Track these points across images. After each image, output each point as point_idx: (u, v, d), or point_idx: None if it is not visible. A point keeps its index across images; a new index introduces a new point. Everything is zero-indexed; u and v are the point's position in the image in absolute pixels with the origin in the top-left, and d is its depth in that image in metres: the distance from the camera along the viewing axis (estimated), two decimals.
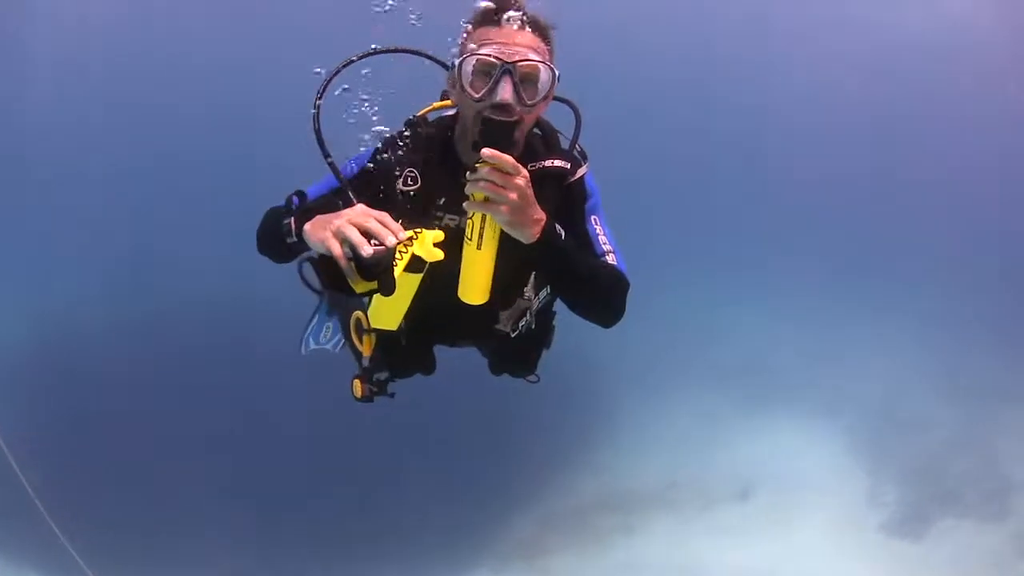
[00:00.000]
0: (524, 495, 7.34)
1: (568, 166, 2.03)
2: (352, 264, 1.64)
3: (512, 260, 1.86)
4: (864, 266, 11.05)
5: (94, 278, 8.95)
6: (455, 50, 1.97)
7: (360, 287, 1.67)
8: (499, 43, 1.84)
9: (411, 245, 1.75)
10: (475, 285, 1.86)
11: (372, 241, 1.63)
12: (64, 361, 7.74)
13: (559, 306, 2.24)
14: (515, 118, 1.83)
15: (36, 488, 5.44)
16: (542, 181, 1.94)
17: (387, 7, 2.22)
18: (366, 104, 2.10)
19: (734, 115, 11.44)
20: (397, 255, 1.69)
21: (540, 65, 1.86)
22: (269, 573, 6.38)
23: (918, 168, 11.43)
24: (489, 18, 1.89)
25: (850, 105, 11.65)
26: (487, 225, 1.78)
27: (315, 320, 2.32)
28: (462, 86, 1.88)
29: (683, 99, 11.66)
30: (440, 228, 1.91)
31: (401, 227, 1.69)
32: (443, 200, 2.02)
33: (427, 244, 1.77)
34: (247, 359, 7.17)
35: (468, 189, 1.73)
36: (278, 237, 1.88)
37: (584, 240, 2.04)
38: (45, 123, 9.73)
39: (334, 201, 1.90)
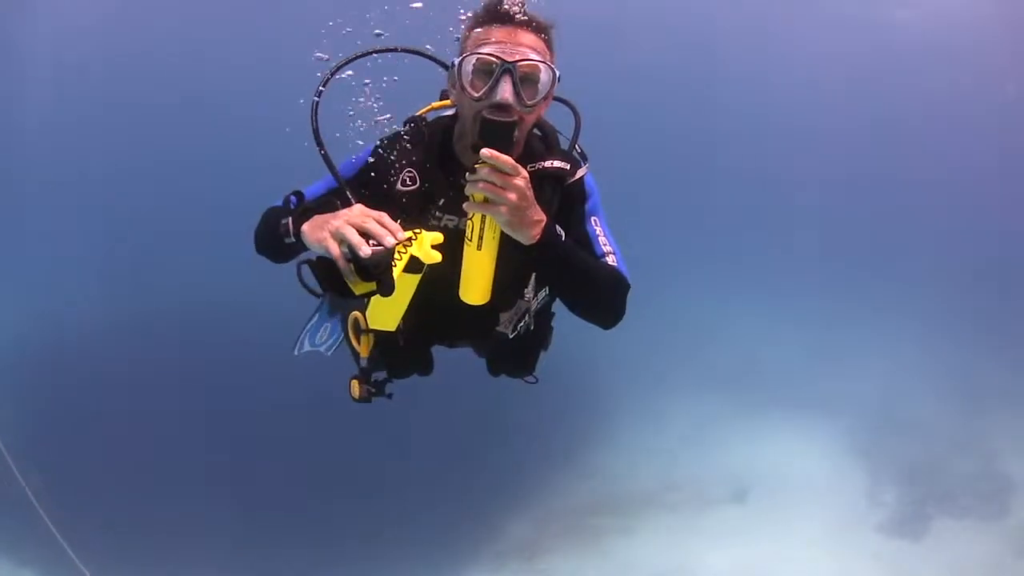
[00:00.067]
0: (522, 496, 7.34)
1: (568, 167, 2.02)
2: (351, 265, 1.64)
3: (512, 261, 1.85)
4: (864, 266, 11.05)
5: (94, 278, 8.95)
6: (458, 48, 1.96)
7: (359, 288, 1.67)
8: (499, 43, 1.84)
9: (410, 246, 1.74)
10: (475, 286, 1.85)
11: (371, 241, 1.62)
12: (64, 361, 7.74)
13: (558, 307, 2.24)
14: (515, 118, 1.81)
15: (34, 488, 5.45)
16: (542, 182, 1.94)
17: None
18: (365, 95, 2.09)
19: (733, 115, 11.44)
20: (396, 256, 1.68)
21: (540, 65, 1.85)
22: (268, 573, 6.37)
23: (918, 168, 11.44)
24: (489, 17, 1.88)
25: (850, 105, 11.66)
26: (487, 226, 1.77)
27: (314, 320, 2.31)
28: (462, 85, 1.87)
29: (682, 99, 11.67)
30: (439, 229, 1.90)
31: (400, 227, 1.68)
32: (442, 201, 2.01)
33: (425, 246, 1.76)
34: (246, 359, 7.16)
35: (467, 190, 1.72)
36: (276, 237, 1.87)
37: (584, 241, 2.03)
38: (45, 123, 9.73)
39: (332, 201, 1.89)
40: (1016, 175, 11.16)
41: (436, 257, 1.76)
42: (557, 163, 2.00)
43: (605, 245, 2.05)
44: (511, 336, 2.15)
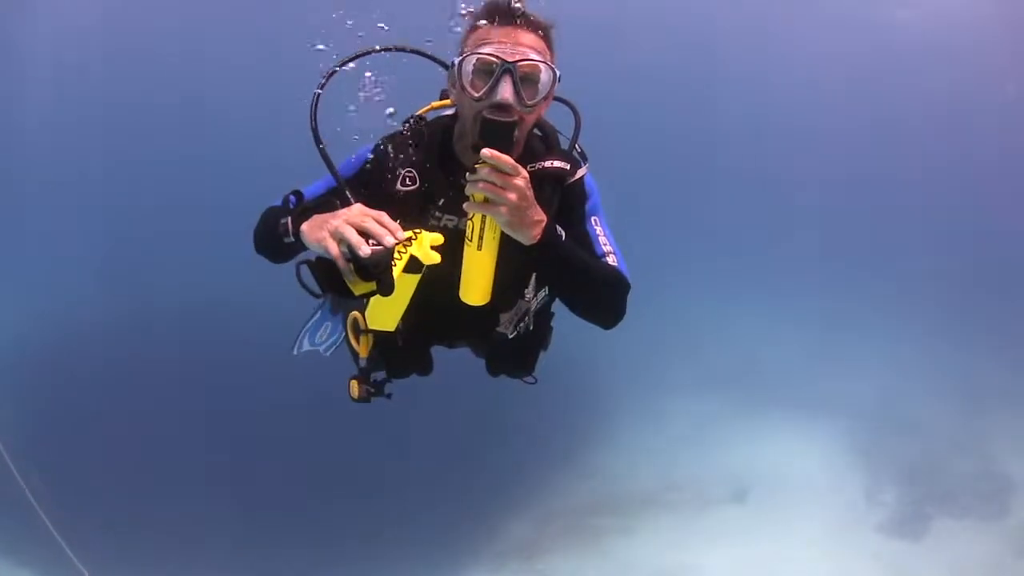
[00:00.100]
0: (522, 496, 7.33)
1: (568, 167, 2.01)
2: (350, 265, 1.63)
3: (512, 261, 1.85)
4: (864, 266, 11.05)
5: (94, 278, 8.96)
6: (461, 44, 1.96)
7: (358, 288, 1.66)
8: (499, 42, 1.84)
9: (410, 246, 1.74)
10: (476, 286, 1.85)
11: (370, 241, 1.61)
12: (64, 361, 7.74)
13: (558, 307, 2.23)
14: (515, 118, 1.81)
15: (34, 488, 5.44)
16: (542, 182, 1.93)
17: None
18: (365, 87, 2.08)
19: (733, 115, 11.44)
20: (396, 255, 1.67)
21: (541, 65, 1.85)
22: (268, 573, 6.37)
23: (918, 168, 11.44)
24: (490, 17, 1.88)
25: (850, 105, 11.66)
26: (487, 226, 1.77)
27: (314, 319, 2.30)
28: (462, 85, 1.87)
29: (682, 99, 11.67)
30: (439, 229, 1.90)
31: (399, 227, 1.68)
32: (442, 201, 2.01)
33: (424, 247, 1.76)
34: (246, 359, 7.16)
35: (468, 190, 1.72)
36: (275, 237, 1.87)
37: (584, 241, 2.02)
38: (45, 123, 9.74)
39: (332, 201, 1.89)
40: (1016, 175, 11.17)
41: (436, 258, 1.76)
42: (557, 163, 2.00)
43: (605, 245, 2.04)
44: (511, 336, 2.15)
